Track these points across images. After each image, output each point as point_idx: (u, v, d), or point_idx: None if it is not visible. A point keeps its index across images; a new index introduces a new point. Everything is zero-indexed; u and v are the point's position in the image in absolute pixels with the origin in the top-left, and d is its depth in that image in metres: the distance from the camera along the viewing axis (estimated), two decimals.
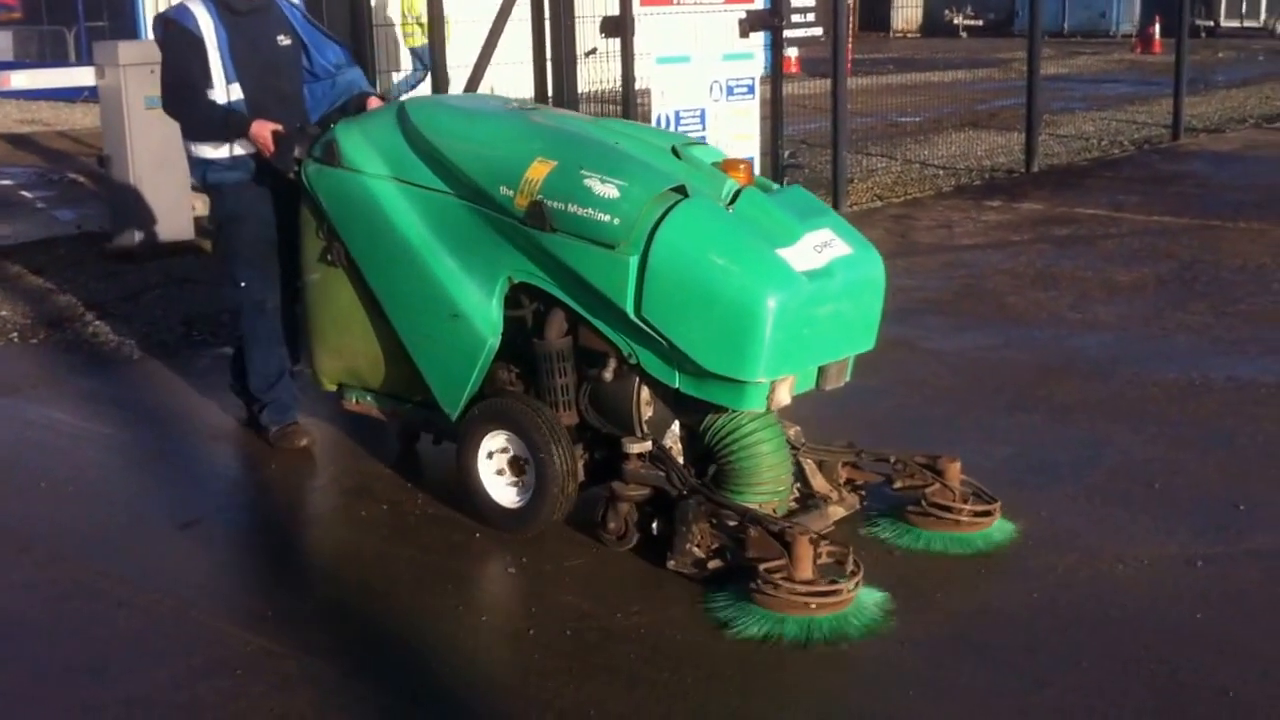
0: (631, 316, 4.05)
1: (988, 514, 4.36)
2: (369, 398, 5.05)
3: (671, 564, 4.10)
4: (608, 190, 4.08)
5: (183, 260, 8.48)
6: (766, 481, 4.18)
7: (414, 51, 14.64)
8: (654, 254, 3.98)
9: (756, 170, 7.59)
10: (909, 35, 37.24)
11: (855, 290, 4.19)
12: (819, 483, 4.46)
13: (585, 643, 3.78)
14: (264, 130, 5.04)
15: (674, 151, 4.43)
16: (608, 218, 4.05)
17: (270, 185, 5.21)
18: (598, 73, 8.73)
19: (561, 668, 3.65)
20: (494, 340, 4.41)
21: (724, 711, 3.45)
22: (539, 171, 4.22)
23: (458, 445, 4.56)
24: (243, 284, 5.32)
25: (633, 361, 4.19)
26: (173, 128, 5.36)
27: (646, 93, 8.18)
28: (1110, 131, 14.46)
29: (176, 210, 8.69)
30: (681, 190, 4.10)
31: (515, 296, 4.44)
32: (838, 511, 4.39)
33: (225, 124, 5.11)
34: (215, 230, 5.53)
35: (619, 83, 8.06)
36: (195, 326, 7.10)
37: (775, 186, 4.45)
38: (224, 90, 5.16)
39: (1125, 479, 4.83)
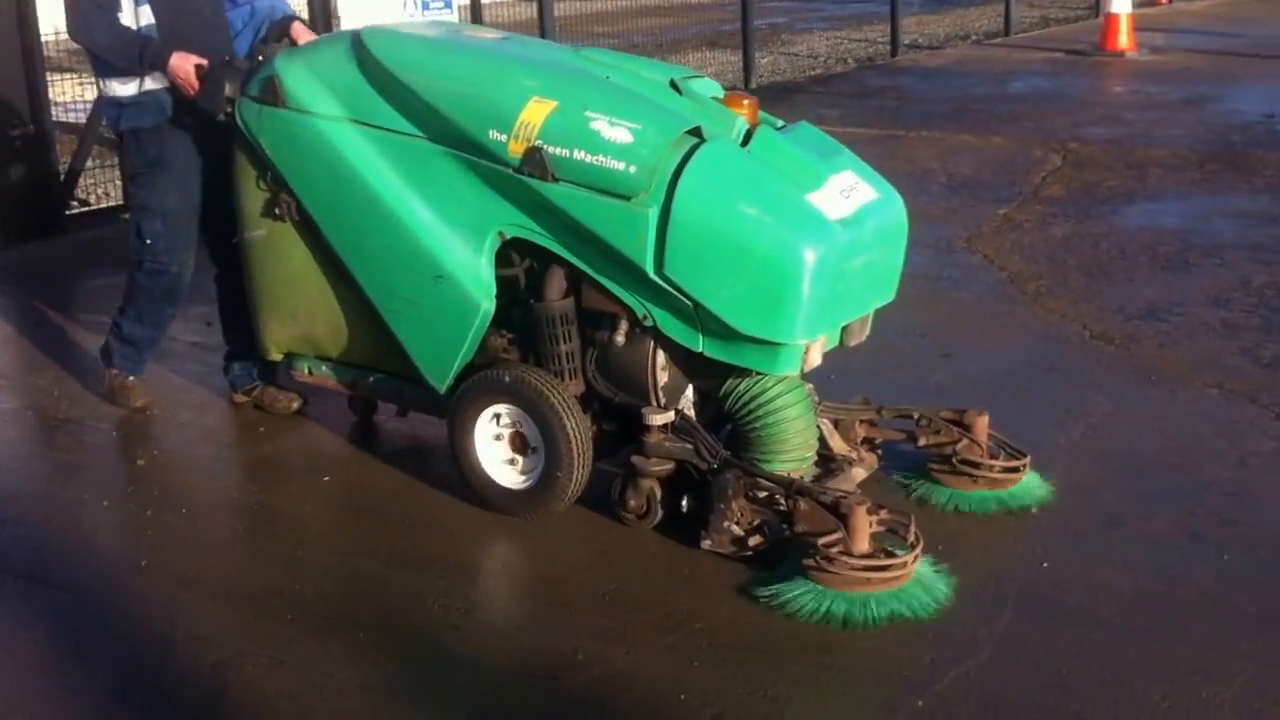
0: (651, 275, 3.66)
1: (1016, 469, 4.14)
2: (324, 368, 4.55)
3: (707, 543, 3.77)
4: (618, 134, 3.67)
5: None
6: (795, 448, 3.88)
7: None
8: (677, 205, 3.59)
9: None
10: None
11: (884, 238, 3.90)
12: (837, 443, 4.18)
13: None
14: (185, 64, 4.42)
15: (673, 86, 4.01)
16: (621, 165, 3.65)
17: (194, 129, 4.62)
18: None
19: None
20: (489, 305, 3.97)
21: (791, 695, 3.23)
22: (536, 113, 3.77)
23: (450, 422, 4.11)
24: (148, 241, 4.75)
25: (648, 324, 3.81)
26: None
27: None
28: (840, 50, 15.10)
29: None
30: (698, 133, 3.72)
31: (505, 253, 4.00)
32: (859, 473, 4.12)
33: (140, 52, 4.47)
34: (130, 180, 4.96)
35: None
36: None
37: (780, 123, 4.07)
38: (132, 14, 4.53)
39: None
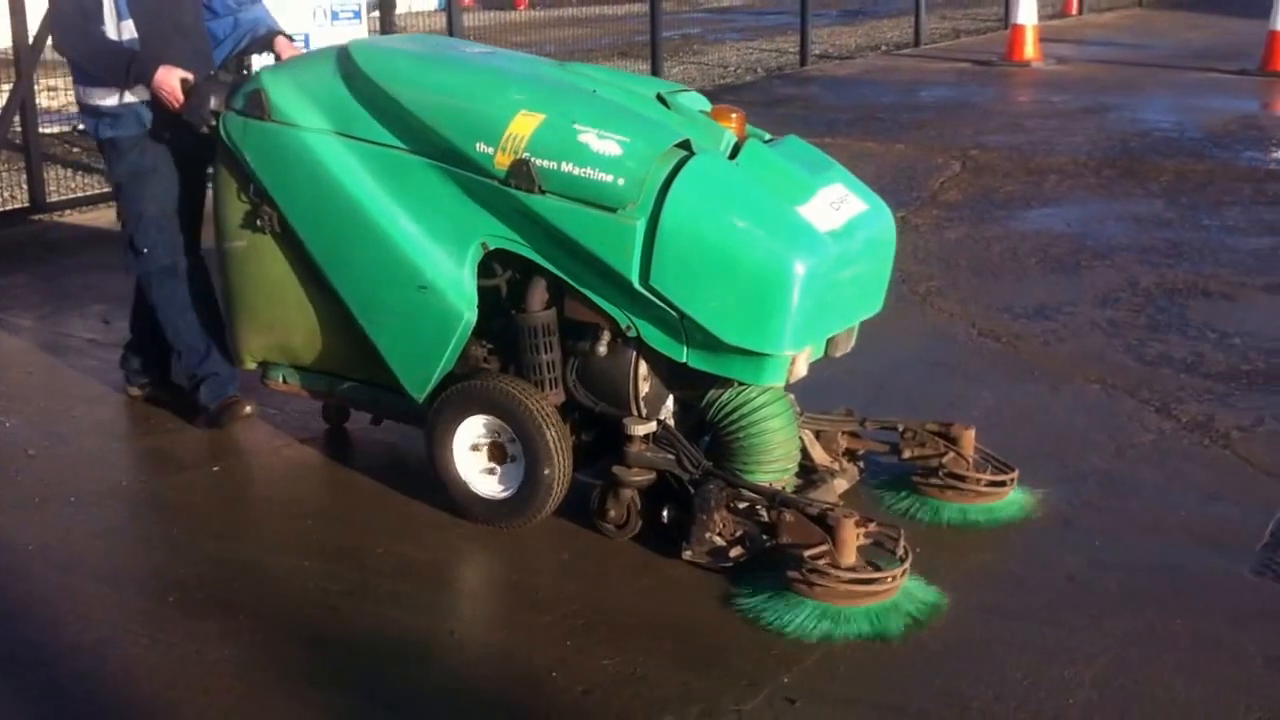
0: (636, 286, 3.68)
1: (1003, 483, 4.13)
2: (299, 376, 4.50)
3: (688, 554, 3.74)
4: (607, 147, 3.69)
5: None
6: (778, 459, 3.87)
7: None
8: (665, 217, 3.61)
9: None
10: None
11: (873, 251, 3.93)
12: (819, 454, 4.17)
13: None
14: (171, 78, 4.39)
15: (660, 100, 4.03)
16: (610, 178, 3.66)
17: (174, 139, 4.61)
18: None
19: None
20: (471, 315, 3.95)
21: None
22: (525, 126, 3.78)
23: (428, 432, 4.07)
24: (145, 250, 4.69)
25: (631, 334, 3.82)
26: None
27: None
28: (751, 60, 15.21)
29: None
30: (686, 146, 3.75)
31: (487, 264, 4.00)
32: (841, 485, 4.11)
33: (127, 66, 4.43)
34: (115, 192, 4.84)
35: None
36: None
37: (768, 136, 4.10)
38: (114, 27, 4.48)
39: None
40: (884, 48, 16.07)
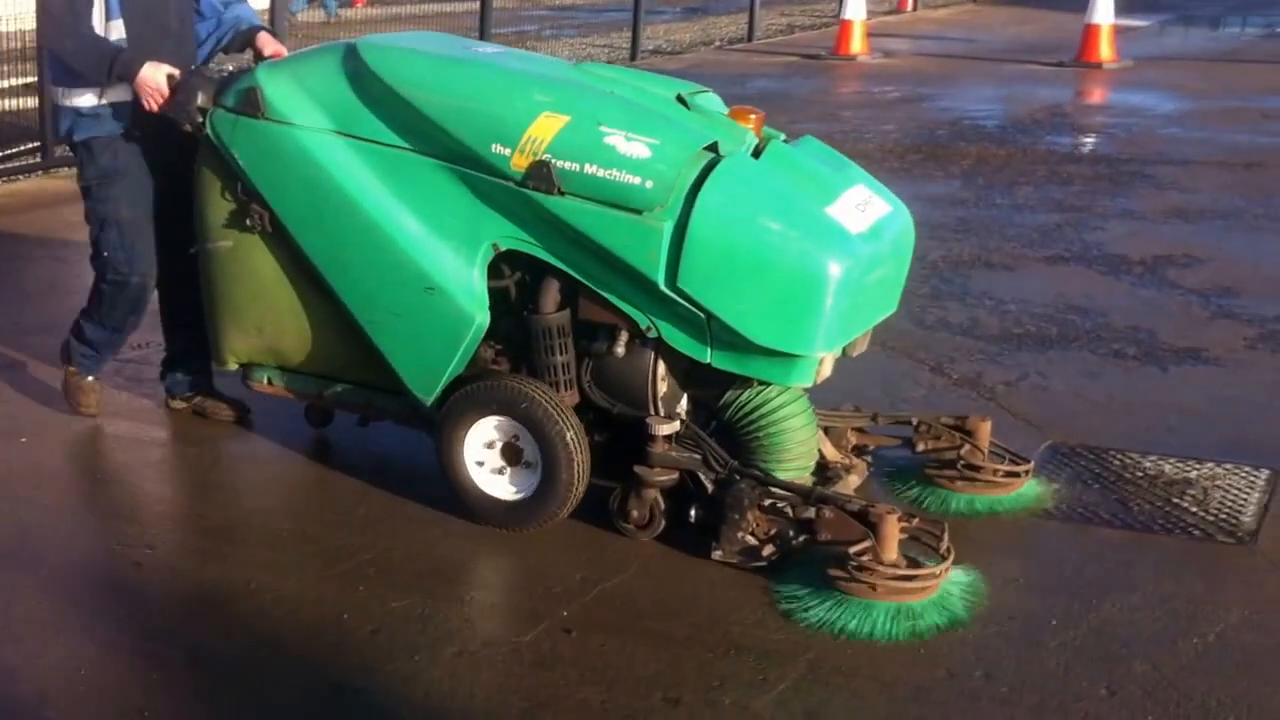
0: (663, 288, 3.65)
1: (1017, 474, 4.15)
2: (286, 378, 4.42)
3: (718, 554, 3.73)
4: (635, 149, 3.65)
5: None
6: (798, 456, 3.86)
7: None
8: (695, 221, 3.59)
9: None
10: None
11: (897, 253, 3.95)
12: (829, 450, 4.14)
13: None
14: (157, 74, 4.30)
15: (680, 100, 3.99)
16: (638, 180, 3.63)
17: (148, 143, 4.50)
18: None
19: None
20: (483, 317, 3.90)
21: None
22: (547, 128, 3.74)
23: (439, 435, 4.01)
24: (105, 254, 4.58)
25: (652, 335, 3.79)
26: None
27: None
28: (581, 54, 15.28)
29: None
30: (714, 148, 3.73)
31: (495, 265, 3.95)
32: (853, 481, 4.08)
33: (111, 62, 4.33)
34: (83, 193, 4.67)
35: None
36: None
37: (783, 136, 4.06)
38: (102, 27, 4.42)
39: None
40: (717, 43, 16.45)
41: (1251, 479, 4.26)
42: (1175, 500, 4.12)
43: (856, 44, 14.81)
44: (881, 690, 3.21)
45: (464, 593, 3.69)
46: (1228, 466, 4.36)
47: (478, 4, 13.04)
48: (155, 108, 4.33)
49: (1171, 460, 4.41)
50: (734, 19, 17.88)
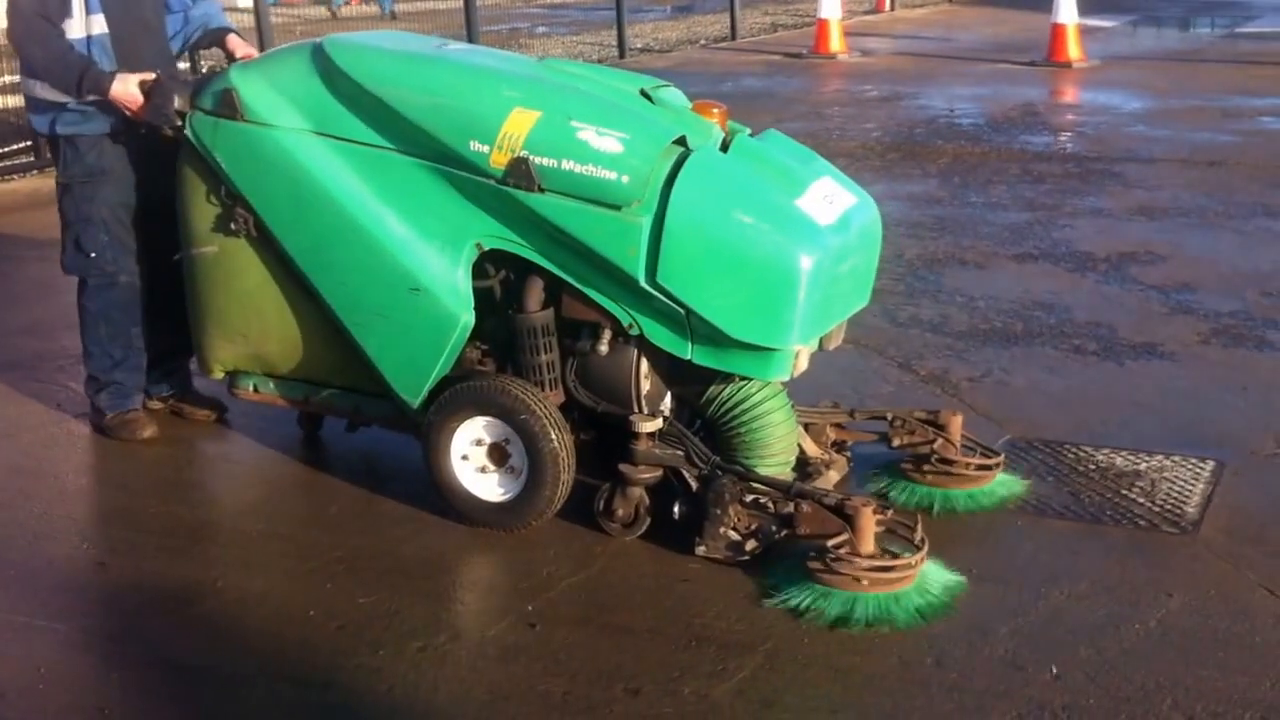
0: (642, 284, 3.67)
1: (989, 468, 4.19)
2: (273, 385, 4.40)
3: (701, 549, 3.76)
4: (607, 144, 3.67)
5: None
6: (778, 452, 3.90)
7: None
8: (671, 215, 3.61)
9: None
10: None
11: (865, 243, 3.97)
12: (810, 446, 4.18)
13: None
14: (127, 87, 4.29)
15: (644, 95, 4.01)
16: (613, 175, 3.64)
17: (134, 138, 4.48)
18: None
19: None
20: (468, 317, 3.90)
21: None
22: (520, 124, 3.74)
23: (425, 437, 4.01)
24: (92, 254, 4.56)
25: (634, 332, 3.81)
26: None
27: None
28: (572, 52, 15.46)
29: None
30: (683, 142, 3.75)
31: (480, 265, 3.95)
32: (833, 476, 4.11)
33: (80, 78, 4.31)
34: (61, 189, 4.62)
35: None
36: None
37: (748, 130, 4.06)
38: (83, 22, 4.39)
39: None
40: (702, 42, 16.53)
41: (1197, 470, 4.35)
42: (1124, 492, 4.21)
43: (835, 43, 14.88)
44: (836, 678, 3.30)
45: (431, 589, 3.77)
46: (1176, 459, 4.44)
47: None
48: (134, 116, 4.34)
49: (1123, 453, 4.50)
50: (718, 18, 17.93)
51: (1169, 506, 4.11)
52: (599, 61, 14.74)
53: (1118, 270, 6.67)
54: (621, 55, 14.84)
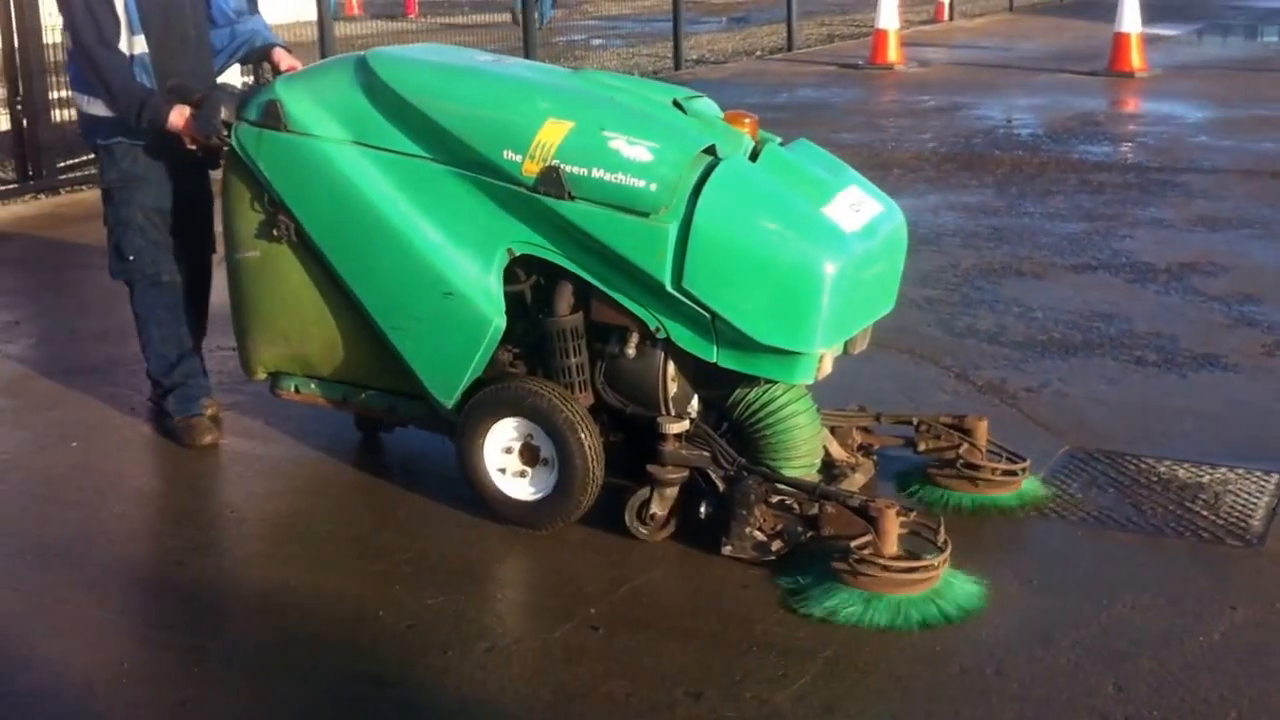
0: (669, 288, 3.77)
1: (1015, 473, 4.24)
2: (314, 385, 4.50)
3: (728, 549, 3.84)
4: (638, 153, 3.79)
5: None
6: (804, 454, 3.98)
7: None
8: (698, 221, 3.72)
9: None
10: None
11: (890, 250, 4.07)
12: (835, 449, 4.25)
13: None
14: (180, 119, 4.42)
15: (677, 105, 4.11)
16: (642, 183, 3.76)
17: (168, 147, 4.60)
18: None
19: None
20: (500, 321, 4.01)
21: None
22: (554, 134, 3.87)
23: (459, 438, 4.13)
24: (131, 257, 4.70)
25: (661, 335, 3.91)
26: None
27: None
28: (628, 63, 15.55)
29: None
30: (712, 151, 3.86)
31: (511, 270, 4.06)
32: (859, 479, 4.19)
33: (140, 108, 4.43)
34: (104, 197, 4.79)
35: None
36: None
37: (779, 139, 4.16)
38: (127, 43, 4.51)
39: None
40: (758, 53, 16.57)
41: (1262, 484, 4.35)
42: (1187, 504, 4.22)
43: (892, 53, 14.89)
44: (896, 686, 3.33)
45: (496, 591, 3.86)
46: (1239, 471, 4.44)
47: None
48: (190, 145, 4.47)
49: (1185, 465, 4.51)
50: (775, 29, 17.95)
51: (1233, 519, 4.11)
52: (654, 73, 14.84)
53: (1179, 281, 6.66)
54: (677, 67, 14.89)
